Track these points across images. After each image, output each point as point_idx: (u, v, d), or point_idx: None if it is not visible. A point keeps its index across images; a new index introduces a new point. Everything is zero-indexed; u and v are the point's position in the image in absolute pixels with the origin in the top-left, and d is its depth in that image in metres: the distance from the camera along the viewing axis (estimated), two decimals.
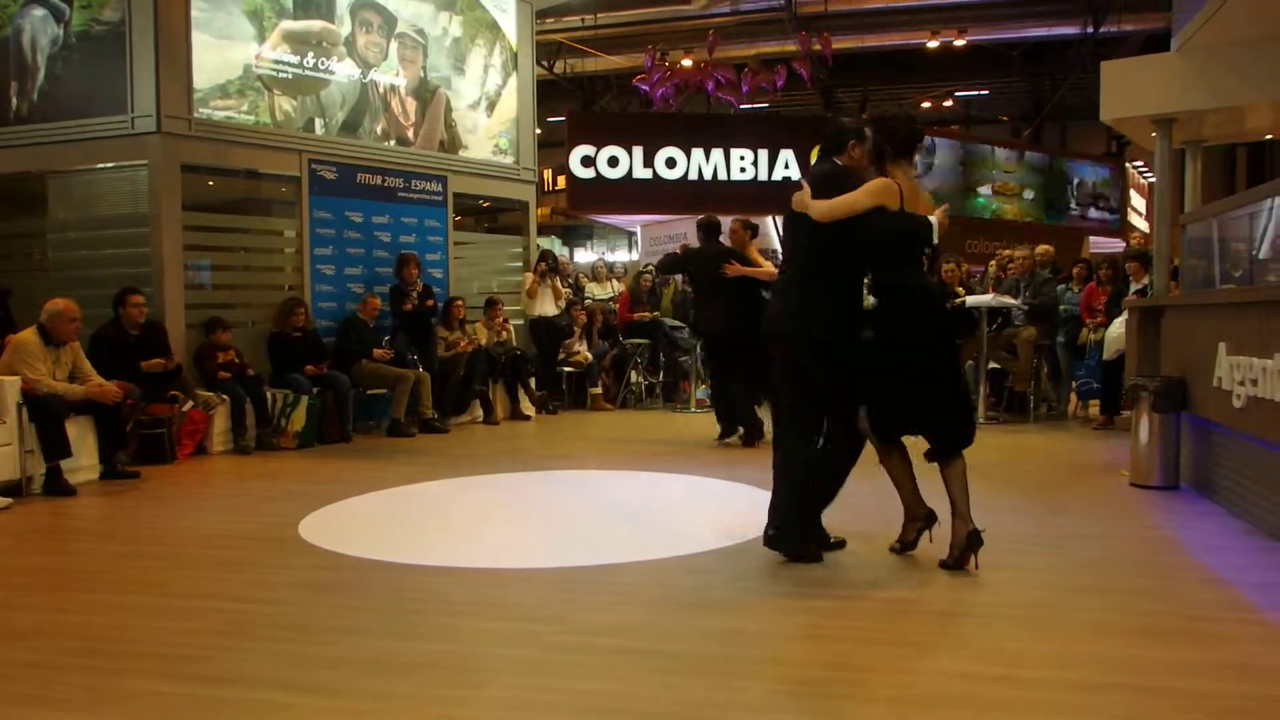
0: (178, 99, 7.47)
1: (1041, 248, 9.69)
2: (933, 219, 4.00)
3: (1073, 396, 9.26)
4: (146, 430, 6.65)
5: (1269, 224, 5.17)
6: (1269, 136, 12.57)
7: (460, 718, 2.60)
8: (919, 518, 4.12)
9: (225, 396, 7.23)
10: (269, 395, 7.50)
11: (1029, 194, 17.25)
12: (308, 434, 7.55)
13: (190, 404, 6.94)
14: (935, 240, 4.01)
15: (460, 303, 9.24)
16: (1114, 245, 18.44)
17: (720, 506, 5.38)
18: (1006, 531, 4.55)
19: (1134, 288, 8.49)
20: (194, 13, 7.60)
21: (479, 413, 9.10)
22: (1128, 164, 19.71)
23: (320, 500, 5.40)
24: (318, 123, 8.61)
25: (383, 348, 8.41)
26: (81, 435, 6.05)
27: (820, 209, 3.93)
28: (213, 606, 3.55)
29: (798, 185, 4.10)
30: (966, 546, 3.84)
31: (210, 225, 8.05)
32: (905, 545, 4.14)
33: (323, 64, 8.59)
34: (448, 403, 8.75)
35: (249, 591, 3.77)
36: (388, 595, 3.68)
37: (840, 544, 4.17)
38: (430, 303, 8.88)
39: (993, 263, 10.46)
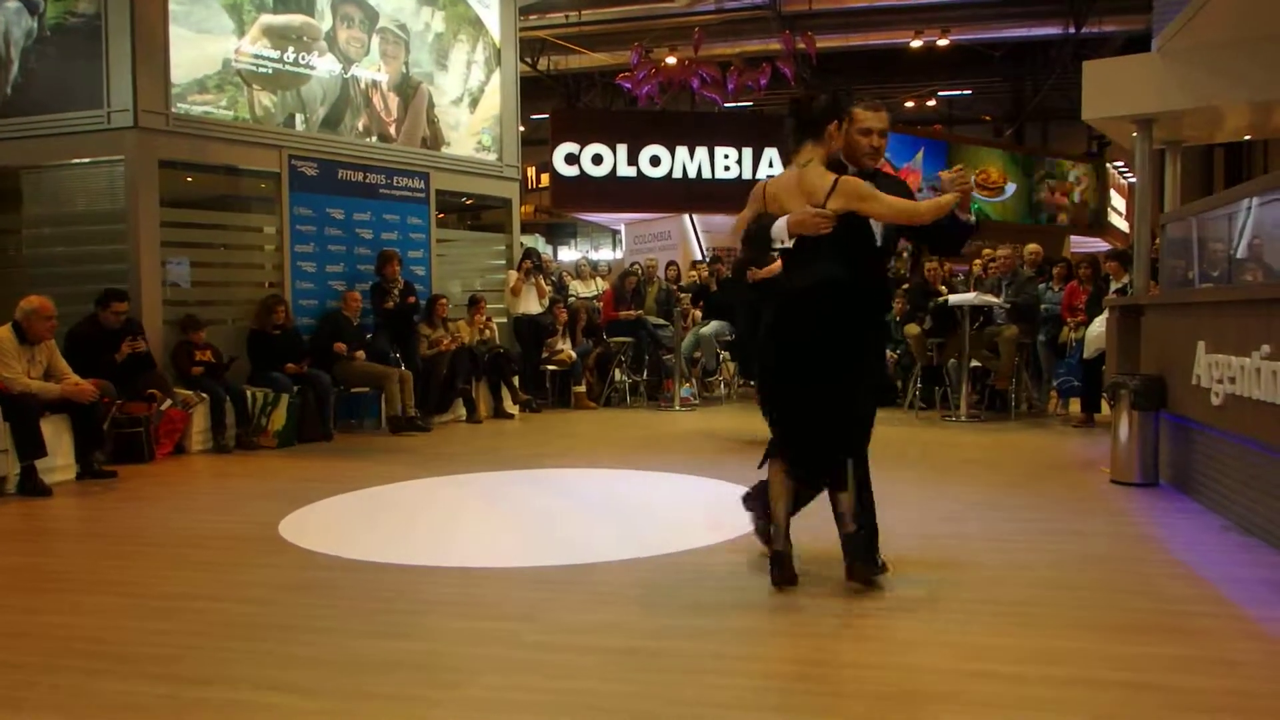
0: (155, 94, 7.41)
1: (1031, 247, 9.75)
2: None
3: (1053, 394, 9.31)
4: (124, 429, 6.59)
5: (1246, 223, 5.21)
6: (1247, 137, 12.70)
7: (438, 718, 2.59)
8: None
9: (204, 395, 7.17)
10: (249, 394, 7.44)
11: (1011, 187, 17.37)
12: (288, 433, 7.50)
13: (168, 402, 6.88)
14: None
15: (444, 301, 9.21)
16: (1095, 245, 18.61)
17: (702, 505, 5.38)
18: (989, 528, 4.57)
19: (1114, 287, 8.54)
20: (172, 6, 7.54)
21: (462, 411, 9.07)
22: (1108, 164, 19.86)
23: (300, 499, 5.36)
24: (298, 118, 8.55)
25: (357, 346, 8.30)
26: (57, 434, 5.99)
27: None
28: (190, 606, 3.52)
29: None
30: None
31: (189, 222, 7.98)
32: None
33: (303, 59, 8.54)
34: (431, 401, 8.71)
35: (227, 591, 3.73)
36: (367, 595, 3.66)
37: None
38: (412, 300, 8.84)
39: (976, 262, 10.51)
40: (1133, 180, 16.61)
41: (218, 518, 5.09)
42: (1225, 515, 4.72)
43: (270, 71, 8.30)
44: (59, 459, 6.00)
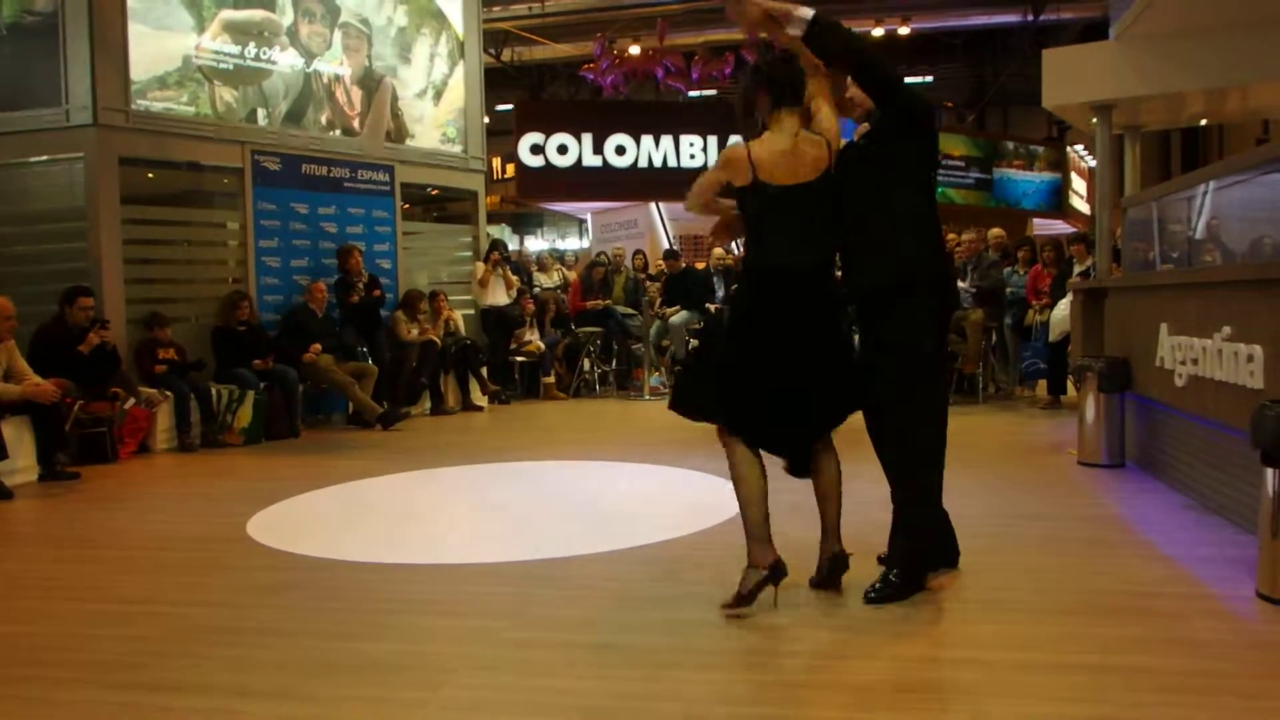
0: (114, 90, 7.26)
1: (995, 231, 9.80)
2: None
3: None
4: (87, 429, 6.46)
5: (1204, 206, 5.26)
6: (1203, 122, 12.86)
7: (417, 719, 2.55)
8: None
9: (168, 393, 7.05)
10: (214, 391, 7.33)
11: (973, 174, 17.47)
12: (255, 430, 7.40)
13: (132, 401, 6.76)
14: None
15: (423, 297, 9.15)
16: (1058, 227, 18.79)
17: (675, 495, 5.36)
18: (957, 512, 4.56)
19: (1078, 269, 8.60)
20: (130, 2, 7.38)
21: (428, 404, 8.99)
22: (1069, 148, 20.04)
23: (268, 498, 5.28)
24: (260, 113, 8.41)
25: (326, 342, 8.19)
26: (18, 436, 5.86)
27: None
28: (158, 611, 3.45)
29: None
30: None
31: (151, 219, 7.84)
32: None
33: (264, 54, 8.40)
34: (399, 394, 8.63)
35: (195, 594, 3.66)
36: (339, 595, 3.60)
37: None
38: (377, 293, 8.74)
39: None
40: (1093, 164, 16.78)
41: (184, 518, 5.00)
42: (1190, 495, 4.76)
43: (231, 67, 8.15)
44: (20, 461, 5.87)
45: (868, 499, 3.84)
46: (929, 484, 3.47)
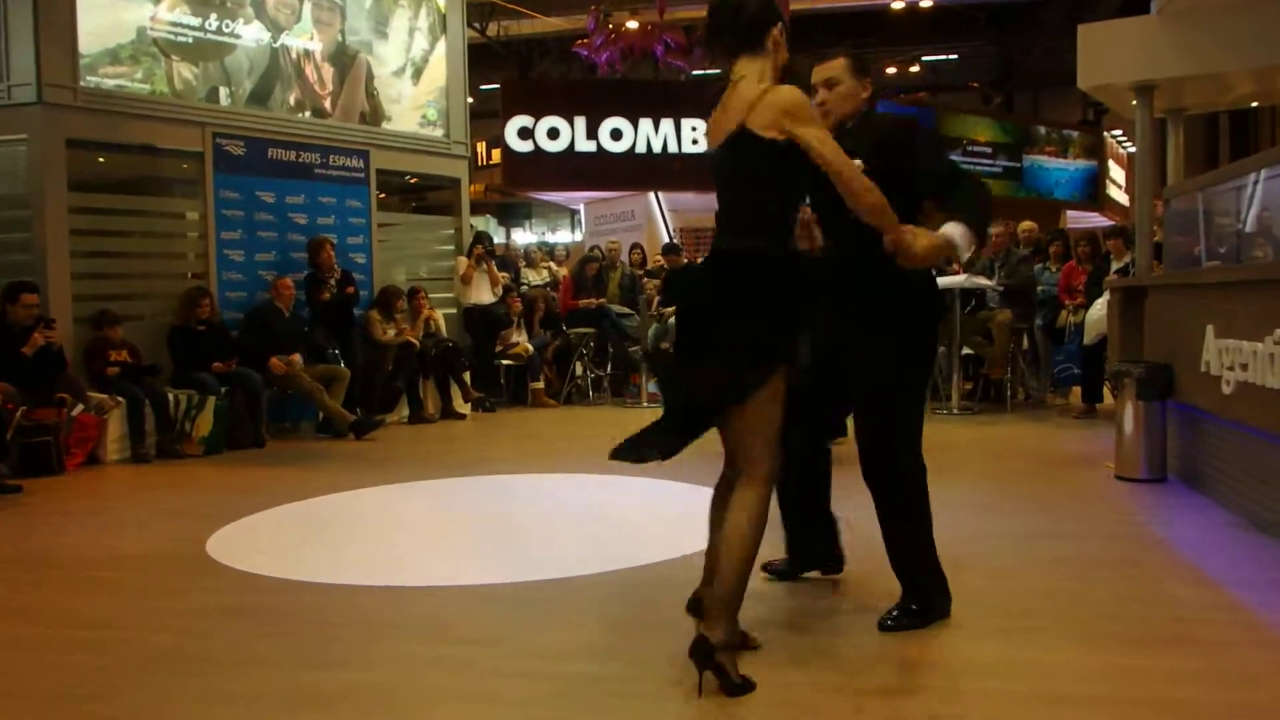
0: (61, 66, 7.28)
1: (1024, 224, 9.81)
2: None
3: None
4: (30, 438, 6.45)
5: (1255, 196, 5.28)
6: (1254, 104, 12.87)
7: None
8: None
9: (120, 398, 7.07)
10: (171, 396, 7.34)
11: (1001, 161, 17.53)
12: (216, 439, 7.41)
13: (80, 408, 6.77)
14: None
15: (401, 297, 9.16)
16: (1093, 219, 18.82)
17: (674, 512, 5.36)
18: (985, 532, 4.60)
19: (1115, 266, 8.63)
20: None
21: (405, 411, 9.01)
22: (1105, 133, 20.08)
23: (231, 514, 5.29)
24: (223, 92, 8.44)
25: (292, 346, 8.20)
26: None
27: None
28: (111, 637, 3.46)
29: None
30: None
31: (101, 207, 7.87)
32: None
33: (227, 26, 8.42)
34: (374, 400, 8.64)
35: (151, 619, 3.67)
36: (308, 620, 3.61)
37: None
38: (350, 290, 8.76)
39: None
40: (1132, 150, 16.81)
41: (138, 535, 5.01)
42: (1237, 512, 4.78)
43: (190, 41, 8.17)
44: None
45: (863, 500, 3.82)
46: (908, 521, 3.40)
